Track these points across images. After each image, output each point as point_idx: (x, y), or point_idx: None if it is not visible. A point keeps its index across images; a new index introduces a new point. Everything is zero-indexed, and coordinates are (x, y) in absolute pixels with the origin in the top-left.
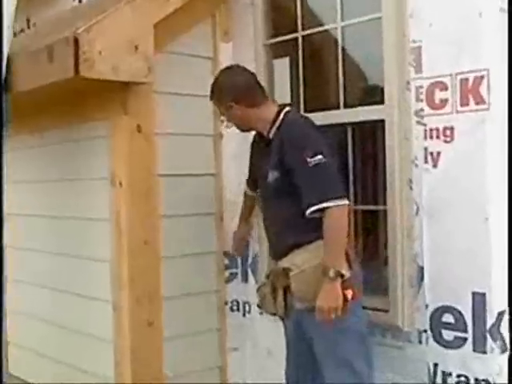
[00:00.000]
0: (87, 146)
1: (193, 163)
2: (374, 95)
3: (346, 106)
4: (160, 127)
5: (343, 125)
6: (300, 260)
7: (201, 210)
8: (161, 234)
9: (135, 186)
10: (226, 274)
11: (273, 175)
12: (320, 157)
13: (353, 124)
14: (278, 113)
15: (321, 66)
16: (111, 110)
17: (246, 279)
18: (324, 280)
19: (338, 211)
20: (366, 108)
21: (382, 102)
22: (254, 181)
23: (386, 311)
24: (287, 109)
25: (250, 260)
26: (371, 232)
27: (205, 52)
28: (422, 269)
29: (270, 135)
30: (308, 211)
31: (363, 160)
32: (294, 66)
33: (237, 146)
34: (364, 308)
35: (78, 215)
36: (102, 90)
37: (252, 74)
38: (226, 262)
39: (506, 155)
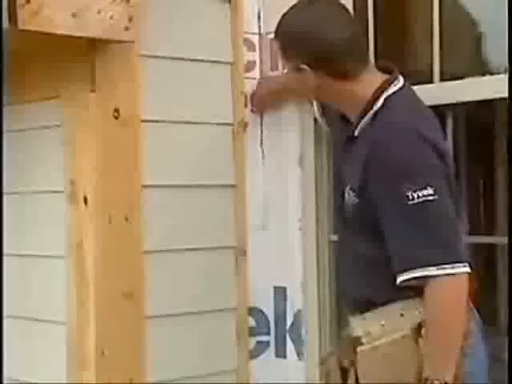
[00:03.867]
0: (31, 141)
1: (200, 168)
2: (492, 59)
3: (443, 77)
4: (149, 111)
5: (439, 107)
6: (377, 328)
7: (212, 242)
8: (148, 281)
9: (109, 204)
10: (252, 343)
11: (350, 197)
12: (429, 191)
13: (456, 106)
14: (378, 92)
15: (403, 12)
16: (71, 83)
17: (283, 353)
18: None
19: (451, 285)
20: (477, 80)
21: (504, 69)
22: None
23: None
24: (394, 89)
25: (289, 320)
26: (486, 279)
27: None
28: None
29: (356, 131)
30: (400, 278)
31: (472, 163)
32: (360, 9)
33: (270, 139)
34: None
35: (16, 251)
36: (57, 53)
37: (351, 20)
38: (252, 323)
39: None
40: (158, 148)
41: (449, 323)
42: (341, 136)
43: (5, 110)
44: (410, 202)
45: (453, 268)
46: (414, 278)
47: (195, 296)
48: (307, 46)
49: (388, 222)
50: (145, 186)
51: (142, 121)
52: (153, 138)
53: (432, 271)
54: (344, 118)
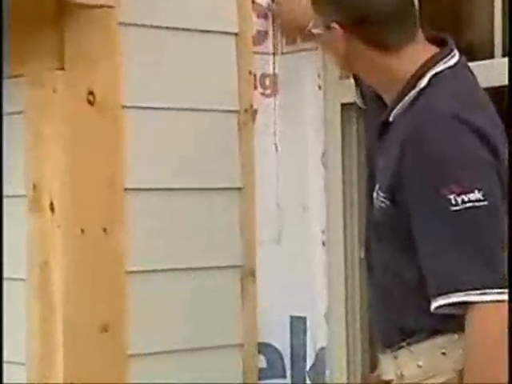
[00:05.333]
0: None
1: (198, 167)
2: None
3: (506, 52)
4: (132, 95)
5: (500, 89)
6: (413, 370)
7: (212, 261)
8: (132, 310)
9: (81, 212)
10: None
11: (378, 199)
12: (477, 195)
13: None
14: (423, 70)
15: None
16: (35, 59)
17: None
18: None
19: (498, 314)
20: None
21: None
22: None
23: None
24: (444, 66)
25: (309, 360)
26: None
27: None
28: None
29: (391, 116)
30: (434, 304)
31: None
32: None
33: (286, 130)
34: None
35: None
36: (17, 21)
37: None
38: (263, 363)
39: None
40: (144, 141)
41: (495, 362)
42: (375, 122)
43: None
44: (453, 208)
45: (500, 294)
46: (452, 305)
47: (191, 329)
48: (340, 2)
49: (423, 231)
50: (127, 190)
51: (124, 107)
52: (137, 128)
53: (474, 297)
54: (381, 99)
